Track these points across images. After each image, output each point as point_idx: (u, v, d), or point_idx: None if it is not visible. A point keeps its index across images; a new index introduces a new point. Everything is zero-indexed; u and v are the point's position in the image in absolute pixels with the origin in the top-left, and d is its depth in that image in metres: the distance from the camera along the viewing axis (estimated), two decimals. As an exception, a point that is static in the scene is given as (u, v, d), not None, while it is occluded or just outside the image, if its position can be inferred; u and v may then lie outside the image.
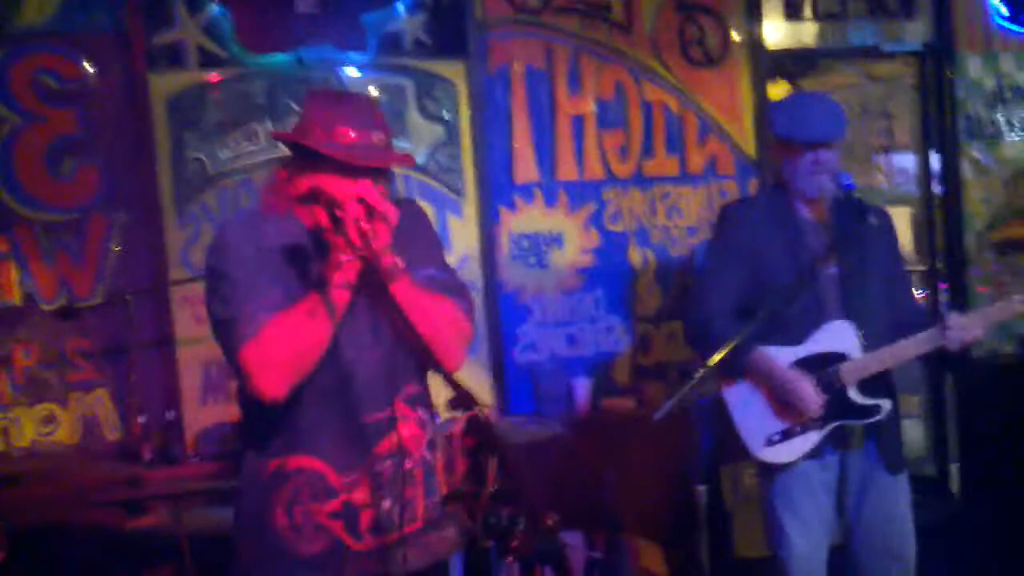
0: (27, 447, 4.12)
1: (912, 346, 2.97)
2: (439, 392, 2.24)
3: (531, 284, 4.67)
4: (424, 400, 2.36)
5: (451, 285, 2.37)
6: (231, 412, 3.91)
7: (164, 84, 4.17)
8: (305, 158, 2.20)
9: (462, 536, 2.20)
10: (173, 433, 4.13)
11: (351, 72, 4.37)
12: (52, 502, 3.77)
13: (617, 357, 4.79)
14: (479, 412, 1.90)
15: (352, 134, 2.17)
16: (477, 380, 4.52)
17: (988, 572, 4.33)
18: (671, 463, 3.66)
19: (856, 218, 3.02)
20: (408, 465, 2.24)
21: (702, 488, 2.79)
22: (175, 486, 3.61)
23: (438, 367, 2.16)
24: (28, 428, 4.12)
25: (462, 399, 1.89)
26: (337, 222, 2.07)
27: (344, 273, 2.11)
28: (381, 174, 2.23)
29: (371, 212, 2.06)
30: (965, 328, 2.93)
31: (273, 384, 2.11)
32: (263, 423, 2.22)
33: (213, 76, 4.22)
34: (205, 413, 4.16)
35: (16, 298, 4.09)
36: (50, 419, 4.15)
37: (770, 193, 3.24)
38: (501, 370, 4.57)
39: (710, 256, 3.22)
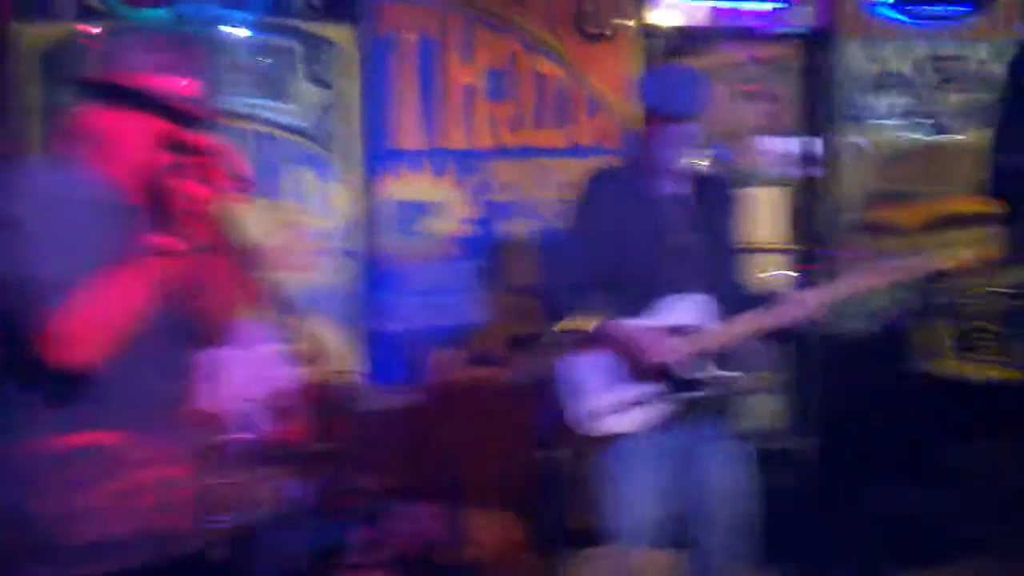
0: None
1: (759, 320, 3.04)
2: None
3: (410, 252, 4.66)
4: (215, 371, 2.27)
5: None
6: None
7: (35, 35, 4.02)
8: (114, 101, 2.09)
9: (268, 507, 2.15)
10: None
11: (235, 32, 4.27)
12: None
13: (491, 327, 4.82)
14: (317, 371, 1.89)
15: (164, 77, 2.09)
16: (349, 347, 4.51)
17: (840, 541, 4.50)
18: (529, 432, 3.70)
19: (715, 193, 3.08)
20: (209, 440, 2.19)
21: (550, 456, 2.82)
22: None
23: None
24: None
25: (299, 357, 1.87)
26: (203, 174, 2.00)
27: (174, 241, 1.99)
28: (194, 120, 2.13)
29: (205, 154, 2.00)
30: (808, 306, 3.02)
31: (78, 354, 1.95)
32: (42, 398, 2.03)
33: (89, 28, 4.08)
34: None
35: None
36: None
37: (631, 166, 3.24)
38: (375, 338, 4.56)
39: (568, 228, 3.21)
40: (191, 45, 2.25)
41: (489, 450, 4.08)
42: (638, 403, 3.03)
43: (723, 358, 3.09)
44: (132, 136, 2.09)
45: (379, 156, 4.56)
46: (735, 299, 3.09)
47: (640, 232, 3.05)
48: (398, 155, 4.62)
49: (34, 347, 1.95)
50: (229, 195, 2.04)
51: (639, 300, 3.00)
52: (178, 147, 2.03)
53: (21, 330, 1.96)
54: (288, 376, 3.93)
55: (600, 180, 3.22)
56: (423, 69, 4.63)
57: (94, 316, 1.95)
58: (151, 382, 2.10)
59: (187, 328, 2.16)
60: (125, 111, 2.08)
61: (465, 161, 4.73)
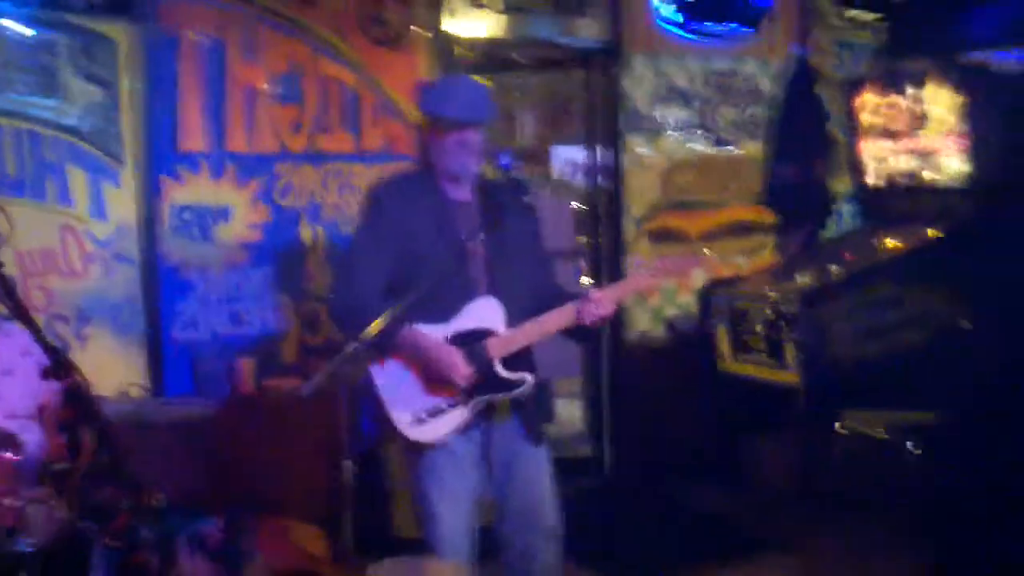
0: None
1: (553, 319, 3.08)
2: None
3: (194, 258, 4.49)
4: None
5: None
6: None
7: None
8: None
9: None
10: None
11: (4, 24, 3.99)
12: None
13: (284, 335, 4.70)
14: (77, 381, 1.77)
15: None
16: (130, 359, 4.30)
17: (634, 543, 4.61)
18: (328, 442, 3.62)
19: (502, 198, 3.10)
20: None
21: (348, 465, 2.76)
22: None
23: None
24: None
25: (57, 367, 1.75)
26: None
27: None
28: None
29: None
30: (599, 303, 3.07)
31: None
32: None
33: None
34: None
35: None
36: None
37: (418, 173, 3.23)
38: (158, 348, 4.37)
39: (358, 235, 3.18)
40: None
41: (287, 461, 3.96)
42: (439, 411, 3.02)
43: (522, 361, 3.11)
44: None
45: (158, 158, 4.37)
46: (530, 301, 3.11)
47: (431, 237, 3.04)
48: (181, 157, 4.44)
49: None
50: None
51: (433, 304, 2.97)
52: None
53: None
54: (50, 390, 3.68)
55: (389, 186, 3.20)
56: (207, 69, 4.47)
57: None
58: None
59: None
60: None
61: (248, 164, 4.59)
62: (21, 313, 1.85)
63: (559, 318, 3.08)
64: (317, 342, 4.76)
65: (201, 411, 4.07)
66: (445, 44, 5.10)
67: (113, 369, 4.22)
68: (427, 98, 3.15)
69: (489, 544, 3.20)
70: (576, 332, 3.14)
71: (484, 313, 3.06)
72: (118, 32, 4.27)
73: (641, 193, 5.67)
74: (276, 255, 4.67)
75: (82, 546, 2.12)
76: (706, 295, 5.52)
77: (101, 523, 1.71)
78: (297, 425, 4.11)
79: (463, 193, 3.13)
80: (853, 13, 6.07)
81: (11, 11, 4.03)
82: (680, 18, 5.72)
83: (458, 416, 3.05)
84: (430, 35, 5.04)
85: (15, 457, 2.04)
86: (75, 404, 1.74)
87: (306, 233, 4.74)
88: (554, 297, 3.15)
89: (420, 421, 3.03)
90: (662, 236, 5.69)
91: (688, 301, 5.61)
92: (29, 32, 4.08)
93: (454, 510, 3.08)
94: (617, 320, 5.44)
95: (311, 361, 4.70)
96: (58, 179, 4.13)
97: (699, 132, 5.84)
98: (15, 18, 4.05)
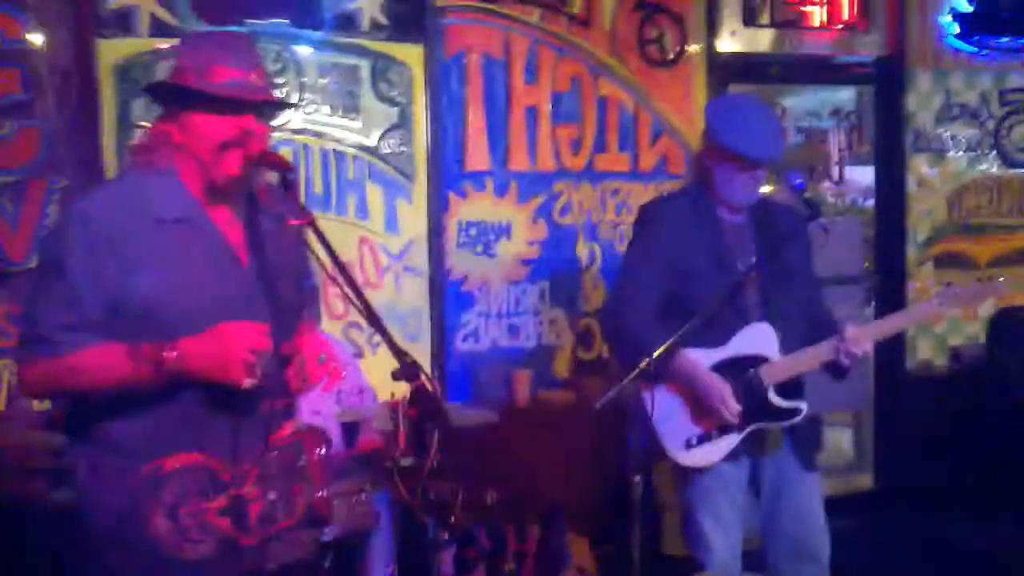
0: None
1: (815, 354, 2.99)
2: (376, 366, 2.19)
3: (476, 273, 4.65)
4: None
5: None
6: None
7: (112, 50, 4.07)
8: (182, 106, 2.12)
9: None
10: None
11: (304, 49, 4.30)
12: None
13: (558, 350, 4.79)
14: (424, 383, 1.86)
15: (231, 73, 2.10)
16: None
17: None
18: (606, 457, 3.66)
19: (778, 222, 3.03)
20: (297, 459, 2.18)
21: (637, 480, 2.79)
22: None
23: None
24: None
25: (406, 370, 1.85)
26: (286, 186, 2.02)
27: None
28: (264, 115, 2.17)
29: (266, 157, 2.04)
30: (857, 342, 2.95)
31: (39, 396, 2.19)
32: (138, 423, 2.09)
33: (162, 45, 4.13)
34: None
35: (-55, 259, 3.97)
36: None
37: (692, 193, 3.19)
38: (442, 357, 4.53)
39: (631, 253, 3.19)
40: (245, 41, 2.26)
41: (559, 472, 4.03)
42: (709, 439, 3.00)
43: (794, 388, 3.04)
44: (204, 134, 2.10)
45: (446, 176, 4.56)
46: (802, 328, 3.04)
47: (704, 259, 3.02)
48: (464, 175, 4.62)
49: None
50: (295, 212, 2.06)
51: (705, 329, 2.92)
52: (258, 161, 2.05)
53: None
54: (371, 389, 3.90)
55: (664, 204, 3.21)
56: (488, 90, 4.63)
57: (52, 386, 2.07)
58: (240, 405, 2.09)
59: (275, 356, 2.14)
60: (193, 111, 2.10)
61: (529, 182, 4.72)
62: (375, 321, 1.99)
63: (821, 354, 2.99)
64: (590, 358, 4.82)
65: (479, 419, 4.19)
66: (717, 62, 5.07)
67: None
68: (720, 128, 3.05)
69: (753, 570, 3.15)
70: (831, 366, 3.04)
71: (758, 339, 3.01)
72: (410, 55, 4.49)
73: (926, 216, 5.43)
74: (552, 271, 4.77)
75: (424, 538, 2.25)
76: (998, 322, 5.20)
77: (440, 517, 1.80)
78: (569, 438, 4.17)
79: (738, 216, 3.09)
80: None
81: (316, 39, 4.32)
82: (968, 33, 5.45)
83: (729, 443, 3.01)
84: (702, 53, 5.03)
85: (326, 452, 2.19)
86: (422, 404, 1.84)
87: (583, 250, 4.82)
88: (824, 324, 3.06)
89: (691, 447, 3.01)
90: (947, 261, 5.43)
91: (975, 329, 5.32)
92: (334, 58, 4.35)
93: (723, 534, 3.05)
94: (896, 348, 5.24)
95: (584, 377, 4.77)
96: (358, 195, 4.39)
97: (989, 152, 5.53)
98: (319, 45, 4.33)
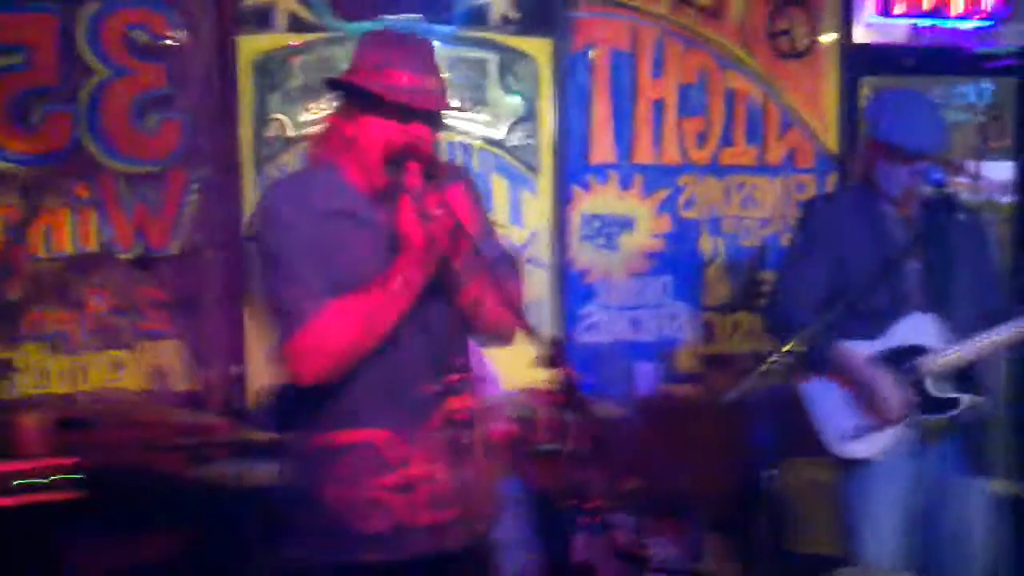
0: (94, 391, 4.20)
1: (993, 338, 2.92)
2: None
3: (599, 265, 4.66)
4: (467, 370, 2.27)
5: (507, 257, 2.29)
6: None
7: (251, 45, 4.21)
8: (355, 103, 2.12)
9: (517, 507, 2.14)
10: (237, 387, 4.18)
11: (434, 43, 4.36)
12: (122, 445, 3.85)
13: (680, 344, 4.77)
14: (569, 371, 1.88)
15: (407, 77, 2.09)
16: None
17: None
18: (731, 452, 3.64)
19: (942, 213, 2.98)
20: (462, 438, 2.18)
21: (769, 474, 2.76)
22: (240, 438, 3.66)
23: (493, 341, 2.19)
24: (97, 373, 4.20)
25: (549, 357, 1.88)
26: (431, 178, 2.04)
27: (413, 269, 2.02)
28: (435, 122, 2.16)
29: (431, 167, 2.02)
30: None
31: (312, 373, 2.04)
32: (312, 395, 2.11)
33: (298, 41, 4.25)
34: (270, 370, 4.20)
35: (94, 245, 4.17)
36: (119, 365, 4.23)
37: (856, 188, 3.23)
38: (565, 348, 4.56)
39: (793, 248, 3.22)
40: (426, 45, 2.26)
41: (682, 466, 4.02)
42: (869, 430, 2.97)
43: (965, 381, 2.99)
44: (373, 134, 2.11)
45: (570, 168, 4.58)
46: (970, 319, 2.98)
47: (866, 251, 3.01)
48: (589, 168, 4.63)
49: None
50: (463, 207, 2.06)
51: (864, 320, 2.95)
52: (402, 151, 2.06)
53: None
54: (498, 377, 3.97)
55: (824, 203, 3.23)
56: (618, 83, 4.63)
57: (325, 342, 2.01)
58: (413, 381, 2.12)
59: (445, 328, 2.16)
60: (370, 113, 2.10)
61: (653, 175, 4.71)
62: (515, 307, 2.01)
63: (1000, 336, 2.92)
64: (713, 353, 4.79)
65: (601, 411, 4.21)
66: (853, 54, 4.96)
67: (522, 365, 4.45)
68: (880, 121, 3.06)
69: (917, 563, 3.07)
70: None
71: (917, 329, 2.97)
72: (537, 48, 4.53)
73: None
74: (676, 265, 4.75)
75: (560, 524, 2.28)
76: None
77: (580, 503, 1.82)
78: (696, 431, 4.16)
79: (900, 207, 3.06)
80: None
81: (445, 33, 4.38)
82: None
83: (889, 436, 2.97)
84: (834, 45, 4.93)
85: (501, 434, 2.22)
86: (566, 392, 1.87)
87: (706, 244, 4.79)
88: (996, 315, 2.98)
89: (850, 439, 2.98)
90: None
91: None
92: (462, 52, 4.42)
93: (878, 529, 3.00)
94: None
95: (706, 371, 4.75)
96: (483, 187, 4.44)
97: None
98: (448, 40, 4.39)
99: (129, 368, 4.23)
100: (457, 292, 2.11)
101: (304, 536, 2.14)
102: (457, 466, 2.16)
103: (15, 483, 3.50)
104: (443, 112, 2.20)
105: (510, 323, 2.16)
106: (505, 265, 2.24)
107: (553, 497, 1.84)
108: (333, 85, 2.23)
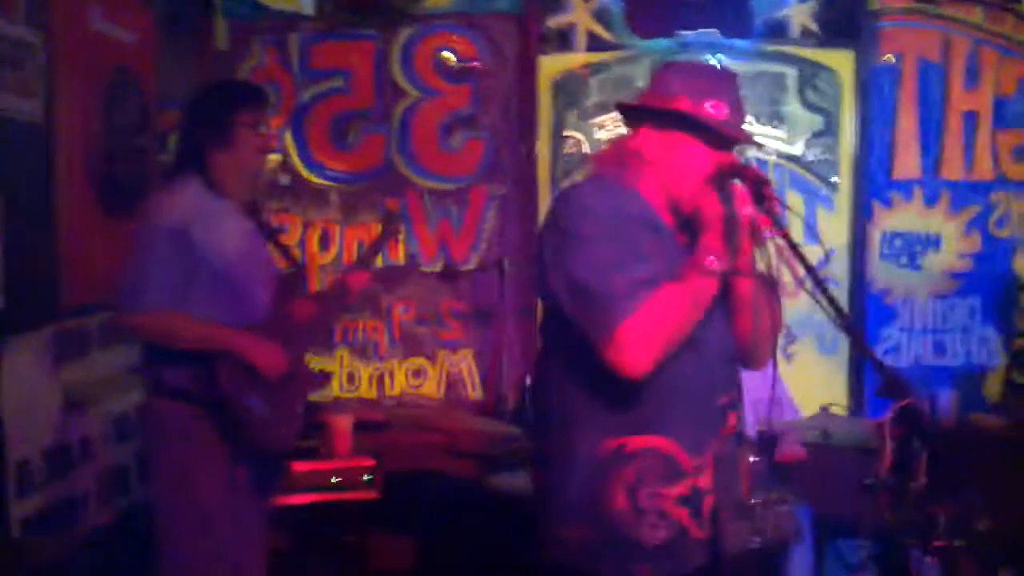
0: (397, 397, 4.45)
1: None
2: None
3: (900, 286, 4.47)
4: (742, 386, 2.23)
5: (770, 279, 2.17)
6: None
7: (551, 65, 4.33)
8: (660, 127, 2.12)
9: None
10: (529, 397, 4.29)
11: (732, 59, 4.32)
12: (421, 449, 4.04)
13: (989, 371, 4.49)
14: (912, 401, 1.81)
15: (726, 108, 2.09)
16: (832, 379, 4.38)
17: None
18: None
19: None
20: (738, 453, 2.16)
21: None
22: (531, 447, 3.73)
23: (748, 363, 2.15)
24: (400, 379, 4.44)
25: (893, 387, 1.82)
26: (761, 199, 2.02)
27: (724, 260, 2.01)
28: (733, 150, 2.15)
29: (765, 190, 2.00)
30: None
31: (642, 362, 1.99)
32: (603, 400, 2.09)
33: (593, 59, 4.33)
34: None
35: (400, 258, 4.41)
36: (420, 373, 4.46)
37: None
38: (860, 371, 4.40)
39: None
40: (731, 75, 2.27)
41: (1012, 507, 3.76)
42: None
43: None
44: (684, 159, 2.11)
45: (871, 184, 4.42)
46: None
47: None
48: (891, 184, 4.45)
49: (598, 353, 2.02)
50: (769, 224, 2.03)
51: None
52: (730, 172, 2.04)
53: (585, 337, 2.04)
54: (789, 400, 3.89)
55: None
56: (922, 94, 4.42)
57: (655, 328, 2.00)
58: (711, 390, 2.11)
59: (731, 339, 2.15)
60: (676, 135, 2.11)
61: (963, 192, 4.46)
62: (853, 333, 1.96)
63: None
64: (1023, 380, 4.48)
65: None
66: None
67: (815, 387, 4.34)
68: None
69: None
70: None
71: None
72: (839, 61, 4.39)
73: None
74: (985, 286, 4.48)
75: (904, 560, 2.21)
76: None
77: (923, 538, 1.74)
78: (1006, 465, 3.88)
79: None
80: None
81: (743, 48, 4.34)
82: None
83: None
84: None
85: (785, 458, 2.18)
86: (909, 422, 1.80)
87: (1020, 265, 4.48)
88: None
89: None
90: None
91: None
92: (760, 67, 4.35)
93: None
94: None
95: (1018, 401, 4.43)
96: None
97: None
98: (746, 55, 4.34)
99: (429, 376, 4.45)
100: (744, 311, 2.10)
101: (584, 544, 2.12)
102: (736, 481, 2.14)
103: (332, 480, 3.75)
104: (748, 137, 2.22)
105: (768, 348, 2.14)
106: (769, 288, 2.17)
107: (894, 532, 1.76)
108: (647, 112, 2.21)
